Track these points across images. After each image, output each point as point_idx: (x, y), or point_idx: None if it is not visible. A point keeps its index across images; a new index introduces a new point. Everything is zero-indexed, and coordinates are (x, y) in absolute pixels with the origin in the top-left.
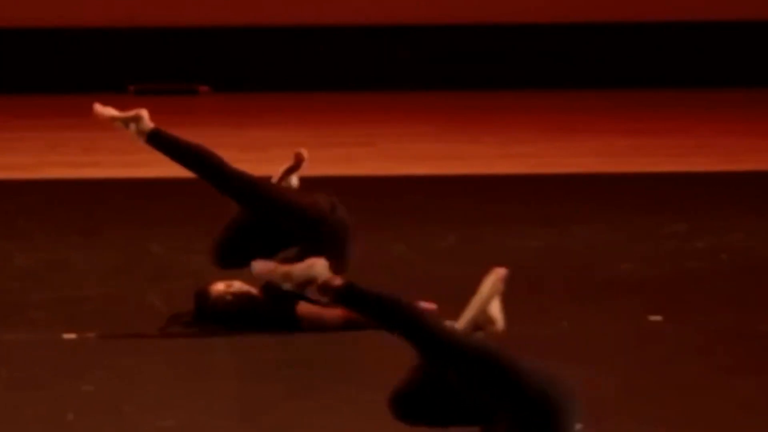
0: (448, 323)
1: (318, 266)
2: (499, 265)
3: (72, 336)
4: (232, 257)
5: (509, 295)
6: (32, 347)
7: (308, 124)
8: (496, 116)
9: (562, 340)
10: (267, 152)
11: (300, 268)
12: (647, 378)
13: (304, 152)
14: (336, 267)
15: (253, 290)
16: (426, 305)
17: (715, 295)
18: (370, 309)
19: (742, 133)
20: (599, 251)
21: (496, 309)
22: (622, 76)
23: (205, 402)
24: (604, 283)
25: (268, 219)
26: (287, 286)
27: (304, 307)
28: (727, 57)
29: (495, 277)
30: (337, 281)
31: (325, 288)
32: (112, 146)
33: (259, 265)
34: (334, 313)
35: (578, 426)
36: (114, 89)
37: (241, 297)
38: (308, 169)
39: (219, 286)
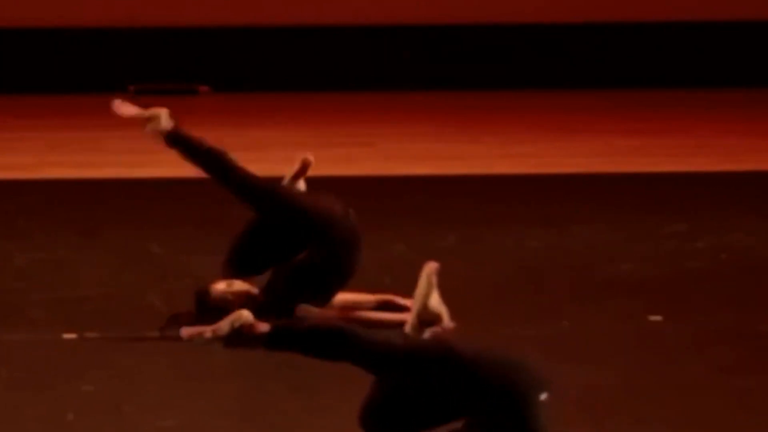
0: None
1: (242, 317)
2: (499, 264)
3: (72, 336)
4: (247, 267)
5: (510, 295)
6: (32, 347)
7: (308, 124)
8: (496, 116)
9: (562, 340)
10: (267, 152)
11: (225, 323)
12: (647, 378)
13: (311, 157)
14: (342, 274)
15: (254, 290)
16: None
17: (715, 295)
18: (303, 348)
19: (742, 133)
20: (599, 251)
21: (436, 302)
22: (622, 76)
23: (205, 402)
24: (604, 283)
25: (282, 223)
26: (218, 344)
27: (303, 309)
28: (727, 57)
29: (428, 271)
30: (263, 327)
31: (252, 337)
32: (112, 146)
33: (186, 330)
34: (334, 314)
35: (543, 396)
36: (114, 89)
37: (241, 296)
38: (309, 169)
39: (220, 286)
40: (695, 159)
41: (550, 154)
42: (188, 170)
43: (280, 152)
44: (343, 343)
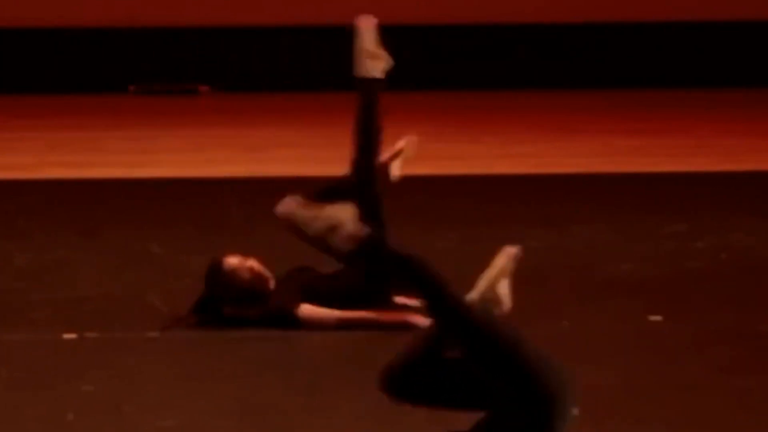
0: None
1: (346, 212)
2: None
3: (72, 336)
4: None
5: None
6: (32, 347)
7: (308, 124)
8: (496, 116)
9: (562, 339)
10: (267, 152)
11: (326, 214)
12: (647, 378)
13: (413, 141)
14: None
15: (267, 273)
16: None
17: (715, 295)
18: (392, 267)
19: (742, 133)
20: (599, 251)
21: (504, 288)
22: (622, 76)
23: (205, 402)
24: (604, 283)
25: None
26: (311, 231)
27: (306, 309)
28: (727, 57)
29: (506, 255)
30: (363, 231)
31: (349, 238)
32: (112, 146)
33: (283, 205)
34: (335, 315)
35: (575, 410)
36: (114, 89)
37: (255, 273)
38: (308, 170)
39: (234, 259)
40: (695, 159)
41: (550, 154)
42: (188, 170)
43: (280, 152)
44: (428, 280)
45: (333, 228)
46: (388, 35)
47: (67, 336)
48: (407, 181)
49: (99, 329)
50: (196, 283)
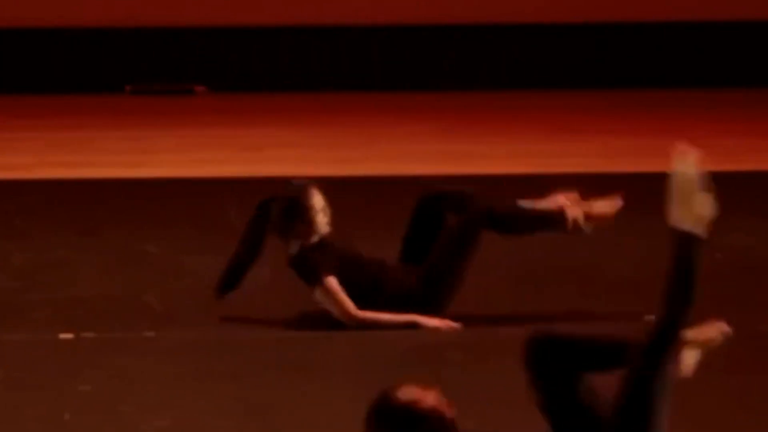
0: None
1: (711, 211)
2: (500, 265)
3: (70, 336)
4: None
5: (510, 295)
6: (31, 347)
7: (308, 124)
8: (497, 116)
9: None
10: (266, 152)
11: (710, 206)
12: None
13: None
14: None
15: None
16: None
17: (715, 295)
18: (687, 267)
19: (742, 133)
20: (599, 251)
21: (691, 357)
22: (622, 76)
23: (205, 402)
24: (604, 283)
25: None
26: (684, 194)
27: (332, 283)
28: (727, 57)
29: (717, 329)
30: (706, 233)
31: (703, 226)
32: (112, 146)
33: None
34: (352, 307)
35: None
36: (113, 89)
37: (325, 211)
38: (308, 170)
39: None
40: None
41: (550, 154)
42: (187, 170)
43: (279, 152)
44: (693, 289)
45: (700, 218)
46: (389, 35)
47: (64, 336)
48: (408, 181)
49: (97, 329)
50: (194, 283)
